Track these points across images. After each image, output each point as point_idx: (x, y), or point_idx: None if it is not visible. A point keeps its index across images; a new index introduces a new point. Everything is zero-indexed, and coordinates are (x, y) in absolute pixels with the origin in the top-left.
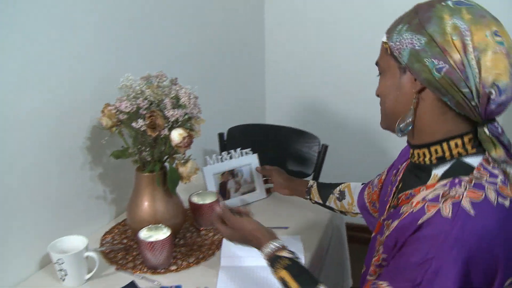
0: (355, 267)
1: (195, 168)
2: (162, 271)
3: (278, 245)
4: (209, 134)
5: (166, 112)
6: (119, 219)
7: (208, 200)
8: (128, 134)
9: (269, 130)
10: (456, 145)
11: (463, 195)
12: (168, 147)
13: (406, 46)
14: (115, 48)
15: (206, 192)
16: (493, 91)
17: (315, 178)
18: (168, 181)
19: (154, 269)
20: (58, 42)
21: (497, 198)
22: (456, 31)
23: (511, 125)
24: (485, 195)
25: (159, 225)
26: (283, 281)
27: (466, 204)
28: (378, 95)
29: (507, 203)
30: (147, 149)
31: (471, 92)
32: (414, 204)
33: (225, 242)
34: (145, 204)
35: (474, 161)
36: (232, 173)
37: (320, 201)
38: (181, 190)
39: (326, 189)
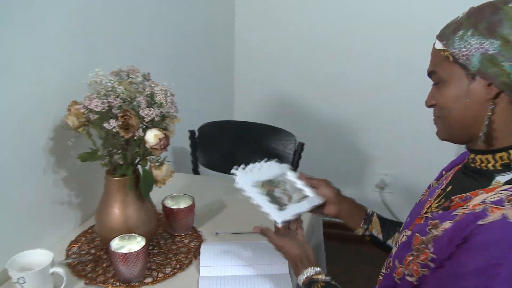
0: (331, 264)
1: (170, 171)
2: (136, 284)
3: (314, 271)
4: (178, 132)
5: (140, 112)
6: (85, 225)
7: (183, 204)
8: (97, 134)
9: (243, 127)
10: None
11: None
12: (142, 149)
13: (476, 51)
14: (82, 40)
15: (180, 194)
16: None
17: None
18: (141, 185)
19: (127, 283)
20: (19, 32)
21: None
22: None
23: None
24: None
25: (132, 234)
26: None
27: None
28: (432, 106)
29: None
30: (119, 151)
31: None
32: (471, 206)
33: (203, 249)
34: (116, 211)
35: None
36: (272, 183)
37: (380, 237)
38: (152, 193)
39: (389, 224)
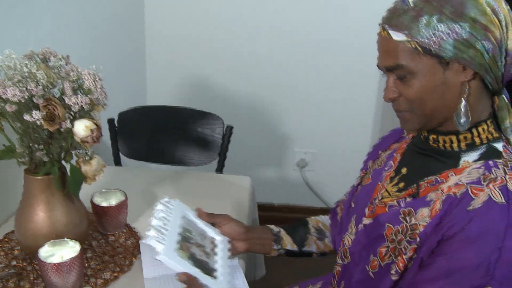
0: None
1: (101, 165)
2: None
3: None
4: None
5: (66, 100)
6: None
7: (114, 199)
8: (8, 128)
9: (166, 113)
10: (484, 130)
11: (505, 178)
12: (69, 142)
13: (447, 37)
14: None
15: (110, 189)
16: None
17: (221, 162)
18: (69, 183)
19: None
20: None
21: None
22: (492, 8)
23: None
24: None
25: (63, 239)
26: None
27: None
28: (395, 99)
29: None
30: (41, 147)
31: (501, 63)
32: (445, 190)
33: (143, 247)
34: (41, 215)
35: (499, 145)
36: (184, 239)
37: (295, 248)
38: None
39: (297, 231)
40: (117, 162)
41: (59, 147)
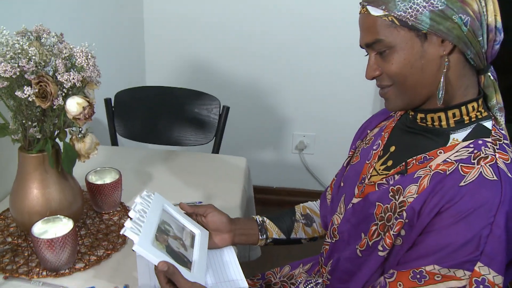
0: None
1: (95, 143)
2: (66, 271)
3: None
4: None
5: (59, 77)
6: None
7: (108, 178)
8: (2, 105)
9: (163, 93)
10: (473, 108)
11: (495, 156)
12: (61, 120)
13: (423, 9)
14: None
15: (105, 169)
16: (495, 33)
17: (217, 143)
18: (62, 160)
19: (56, 271)
20: None
21: None
22: None
23: None
24: (510, 157)
25: (56, 216)
26: None
27: (502, 165)
28: (376, 77)
29: None
30: (34, 124)
31: (483, 38)
32: (433, 167)
33: (138, 259)
34: (35, 192)
35: (488, 124)
36: (162, 231)
37: (283, 236)
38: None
39: (283, 220)
40: (114, 142)
41: (52, 124)
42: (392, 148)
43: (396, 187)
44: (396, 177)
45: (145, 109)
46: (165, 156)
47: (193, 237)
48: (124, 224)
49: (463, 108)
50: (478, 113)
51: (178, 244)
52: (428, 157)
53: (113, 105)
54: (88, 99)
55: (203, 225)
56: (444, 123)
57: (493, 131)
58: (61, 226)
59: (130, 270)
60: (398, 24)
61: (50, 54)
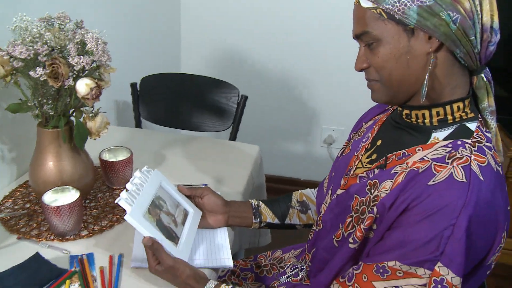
0: None
1: (105, 122)
2: (71, 237)
3: (215, 284)
4: (122, 84)
5: (70, 60)
6: (21, 180)
7: (121, 156)
8: (26, 84)
9: (185, 80)
10: (458, 108)
11: (471, 158)
12: (74, 99)
13: (412, 4)
14: None
15: (118, 147)
16: (490, 33)
17: (234, 130)
18: (75, 137)
19: (62, 236)
20: None
21: (495, 165)
22: None
23: None
24: (488, 160)
25: (66, 186)
26: None
27: (475, 167)
28: (364, 69)
29: (500, 170)
30: (49, 101)
31: (476, 38)
32: (410, 164)
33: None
34: (50, 164)
35: (472, 125)
36: (156, 206)
37: (277, 221)
38: (89, 146)
39: (278, 205)
40: (138, 125)
41: (65, 102)
42: (379, 142)
43: (373, 181)
44: (376, 171)
45: (167, 95)
46: (182, 140)
47: (186, 215)
48: (120, 194)
49: (448, 107)
50: (463, 114)
51: (169, 220)
52: (406, 154)
53: (138, 89)
54: (96, 81)
55: (200, 206)
56: (427, 120)
57: (475, 133)
58: (70, 196)
59: (128, 242)
60: (386, 18)
61: (67, 39)
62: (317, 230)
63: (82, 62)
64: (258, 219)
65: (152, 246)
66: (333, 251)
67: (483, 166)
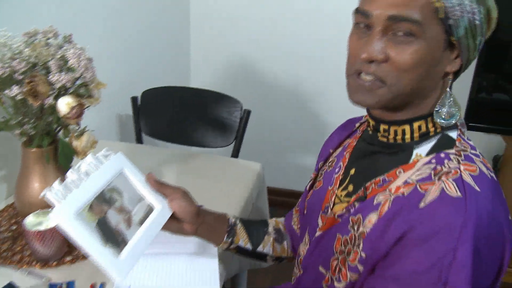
0: None
1: (91, 141)
2: (54, 263)
3: None
4: (124, 97)
5: (51, 77)
6: (10, 200)
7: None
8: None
9: (185, 94)
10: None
11: (460, 169)
12: (57, 118)
13: (465, 15)
14: None
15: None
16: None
17: (237, 147)
18: (59, 156)
19: (44, 262)
20: None
21: (487, 171)
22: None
23: None
24: (479, 168)
25: (49, 209)
26: None
27: (467, 178)
28: (373, 61)
29: (494, 176)
30: (32, 120)
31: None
32: (393, 190)
33: None
34: (35, 185)
35: (453, 134)
36: (104, 200)
37: (248, 246)
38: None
39: (256, 228)
40: (139, 140)
41: (47, 121)
42: (352, 171)
43: (356, 216)
44: (356, 204)
45: (169, 109)
46: (181, 157)
47: (149, 211)
48: (52, 185)
49: (429, 118)
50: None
51: (120, 219)
52: (387, 179)
53: (139, 103)
54: (79, 100)
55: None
56: (407, 136)
57: (457, 142)
58: None
59: None
60: (441, 17)
61: (50, 55)
62: (298, 275)
63: (63, 79)
64: (230, 239)
65: None
66: None
67: (475, 175)
